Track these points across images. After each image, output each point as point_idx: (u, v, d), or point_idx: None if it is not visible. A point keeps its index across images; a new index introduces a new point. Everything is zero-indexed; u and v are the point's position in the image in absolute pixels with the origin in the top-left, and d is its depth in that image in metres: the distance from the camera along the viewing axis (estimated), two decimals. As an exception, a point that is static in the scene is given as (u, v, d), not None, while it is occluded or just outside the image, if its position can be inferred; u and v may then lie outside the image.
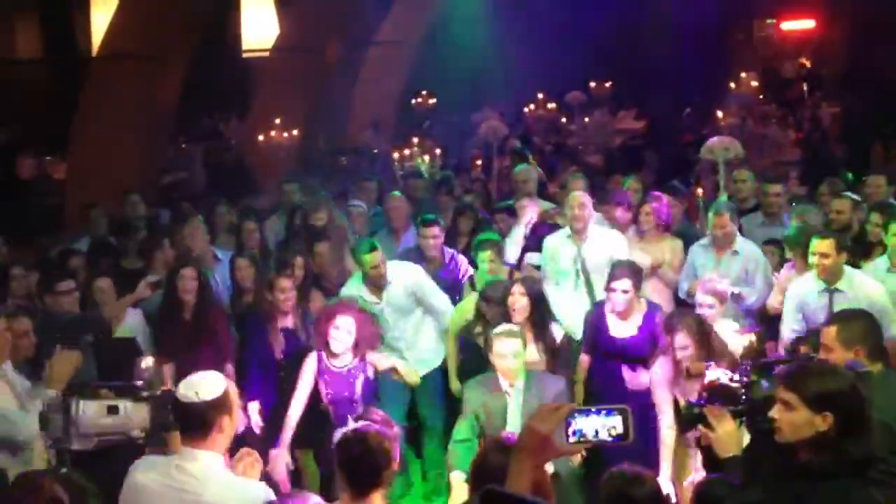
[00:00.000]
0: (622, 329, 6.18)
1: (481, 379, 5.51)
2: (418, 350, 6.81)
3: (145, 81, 10.86)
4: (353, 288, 6.68)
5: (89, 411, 3.58)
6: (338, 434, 3.43)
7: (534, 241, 7.51)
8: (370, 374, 5.76)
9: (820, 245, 5.87)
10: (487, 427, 5.31)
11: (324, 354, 5.77)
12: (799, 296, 6.06)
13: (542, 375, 5.54)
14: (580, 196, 7.08)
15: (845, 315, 4.56)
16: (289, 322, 6.46)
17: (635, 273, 6.15)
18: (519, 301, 5.92)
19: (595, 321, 6.26)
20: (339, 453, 3.46)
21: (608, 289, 6.15)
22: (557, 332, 6.07)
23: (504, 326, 5.51)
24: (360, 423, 3.64)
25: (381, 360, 5.79)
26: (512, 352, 5.30)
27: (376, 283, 6.63)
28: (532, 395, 5.26)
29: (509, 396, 5.34)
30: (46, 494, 3.12)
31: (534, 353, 5.84)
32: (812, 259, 5.92)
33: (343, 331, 5.66)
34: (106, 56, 10.99)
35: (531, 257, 7.37)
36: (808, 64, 17.56)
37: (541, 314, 5.99)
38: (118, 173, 10.36)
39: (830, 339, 4.29)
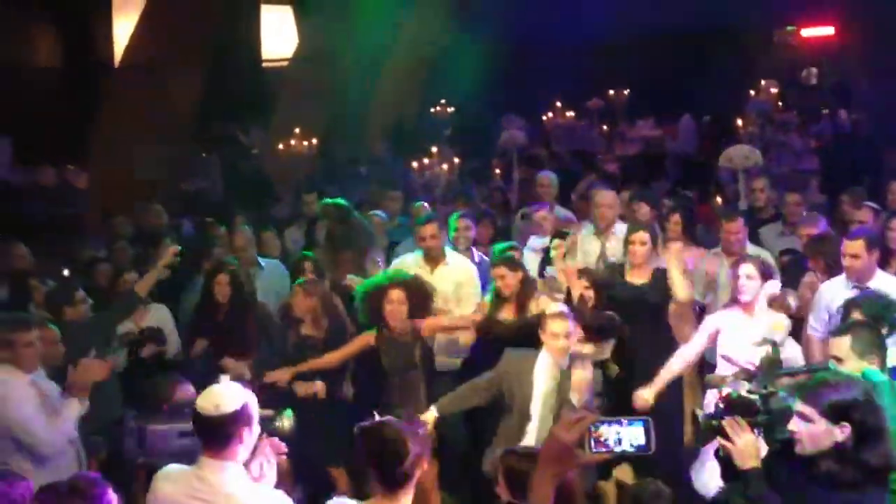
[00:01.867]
0: (636, 278, 6.45)
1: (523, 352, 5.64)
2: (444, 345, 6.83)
3: (165, 91, 10.96)
4: (411, 258, 7.05)
5: (162, 435, 3.64)
6: (357, 428, 3.44)
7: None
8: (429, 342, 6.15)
9: (851, 246, 5.83)
10: (513, 389, 5.47)
11: (382, 328, 6.10)
12: (827, 297, 5.95)
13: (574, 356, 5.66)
14: (607, 195, 7.36)
15: (857, 325, 4.55)
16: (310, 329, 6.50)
17: (653, 231, 6.58)
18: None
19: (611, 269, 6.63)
20: (359, 445, 3.45)
21: (628, 241, 6.49)
22: None
23: (556, 307, 5.65)
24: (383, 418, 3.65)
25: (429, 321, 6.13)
26: (563, 332, 5.43)
27: (430, 255, 6.94)
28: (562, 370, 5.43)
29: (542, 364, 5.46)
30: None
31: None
32: (844, 261, 5.86)
33: (396, 304, 6.03)
34: (127, 65, 11.09)
35: (551, 270, 7.37)
36: (826, 71, 17.50)
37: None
38: (138, 182, 10.45)
39: (844, 350, 4.27)
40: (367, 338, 6.21)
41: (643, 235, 6.48)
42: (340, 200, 8.36)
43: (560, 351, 5.43)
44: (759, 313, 5.75)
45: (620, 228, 7.18)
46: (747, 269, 5.77)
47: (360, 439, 3.41)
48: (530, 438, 5.30)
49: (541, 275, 7.30)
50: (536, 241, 7.67)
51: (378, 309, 6.11)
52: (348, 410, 6.16)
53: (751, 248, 7.01)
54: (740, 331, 5.70)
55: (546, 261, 7.43)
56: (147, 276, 6.60)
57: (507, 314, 6.26)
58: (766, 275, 5.86)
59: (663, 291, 6.32)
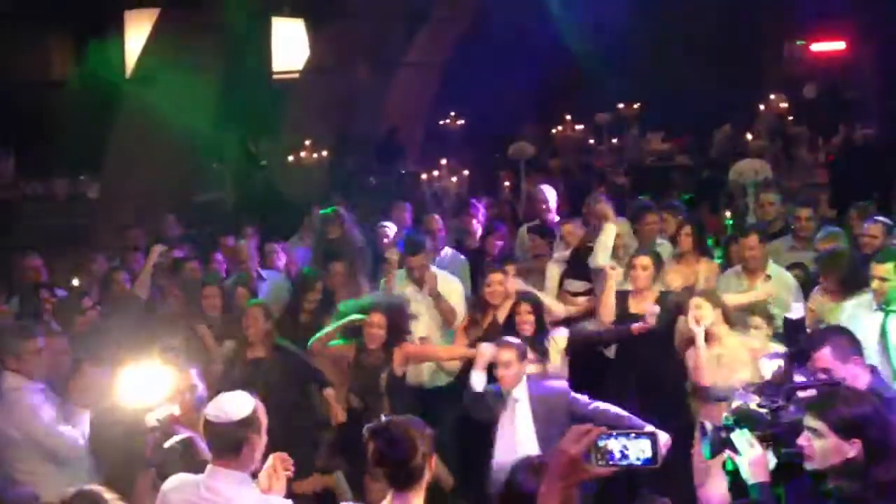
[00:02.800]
0: (640, 302, 6.42)
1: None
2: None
3: (177, 103, 11.02)
4: (402, 282, 7.07)
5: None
6: (365, 429, 3.45)
7: (575, 267, 7.48)
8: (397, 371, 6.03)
9: (880, 269, 5.74)
10: None
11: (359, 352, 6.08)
12: (849, 317, 5.78)
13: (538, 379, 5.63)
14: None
15: (828, 332, 4.68)
16: (259, 352, 6.36)
17: (656, 257, 6.55)
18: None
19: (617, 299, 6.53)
20: (367, 446, 3.45)
21: (630, 265, 6.50)
22: None
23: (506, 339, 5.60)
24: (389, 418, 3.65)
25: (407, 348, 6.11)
26: (509, 360, 5.40)
27: (418, 283, 6.96)
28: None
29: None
30: None
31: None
32: (873, 283, 5.75)
33: (375, 328, 6.01)
34: (139, 78, 11.16)
35: (570, 283, 7.36)
36: (835, 86, 17.49)
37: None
38: (150, 194, 10.50)
39: (828, 360, 4.35)
40: (349, 349, 6.20)
41: (645, 260, 6.47)
42: (334, 209, 8.43)
43: (507, 380, 5.41)
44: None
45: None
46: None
47: (368, 440, 3.41)
48: None
49: (561, 286, 7.30)
50: (560, 254, 7.66)
51: (357, 331, 6.12)
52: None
53: (772, 268, 6.94)
54: None
55: (567, 273, 7.43)
56: (139, 279, 6.67)
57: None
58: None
59: (669, 317, 6.27)
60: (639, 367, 6.32)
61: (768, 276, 6.84)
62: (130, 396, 4.46)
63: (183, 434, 4.09)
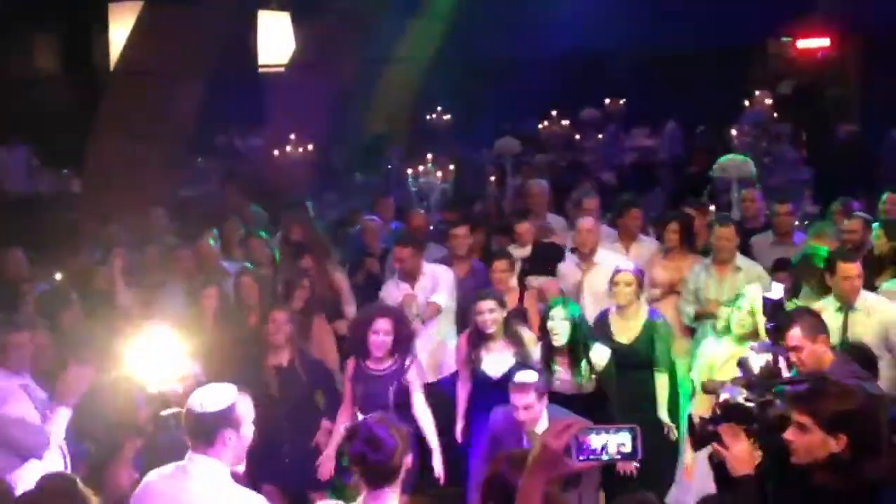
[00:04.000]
0: (624, 334, 6.27)
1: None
2: (433, 354, 6.85)
3: (162, 98, 10.96)
4: (392, 280, 7.09)
5: None
6: (343, 429, 3.45)
7: (536, 263, 7.55)
8: (407, 378, 5.85)
9: (851, 269, 5.88)
10: None
11: (361, 360, 5.90)
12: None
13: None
14: (586, 222, 7.20)
15: (798, 313, 4.88)
16: (283, 358, 6.20)
17: (639, 272, 6.37)
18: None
19: (599, 326, 6.35)
20: (346, 446, 3.47)
21: (612, 282, 6.30)
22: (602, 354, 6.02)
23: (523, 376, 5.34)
24: (367, 417, 3.65)
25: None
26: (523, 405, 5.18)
27: (406, 276, 6.93)
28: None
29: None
30: (79, 497, 3.22)
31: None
32: (844, 283, 5.88)
33: (381, 334, 5.79)
34: (123, 72, 11.09)
35: (534, 280, 7.37)
36: (819, 83, 17.55)
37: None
38: (135, 189, 10.43)
39: (798, 339, 4.57)
40: (349, 366, 6.02)
41: (628, 276, 6.28)
42: (296, 209, 8.43)
43: (529, 422, 5.19)
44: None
45: (602, 256, 7.12)
46: None
47: (347, 440, 3.43)
48: None
49: (521, 284, 7.32)
50: (516, 252, 7.67)
51: (362, 338, 5.87)
52: None
53: (741, 260, 7.02)
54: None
55: (526, 271, 7.46)
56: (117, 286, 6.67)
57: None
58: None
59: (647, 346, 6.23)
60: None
61: (738, 268, 6.89)
62: (139, 365, 4.44)
63: (177, 409, 4.11)
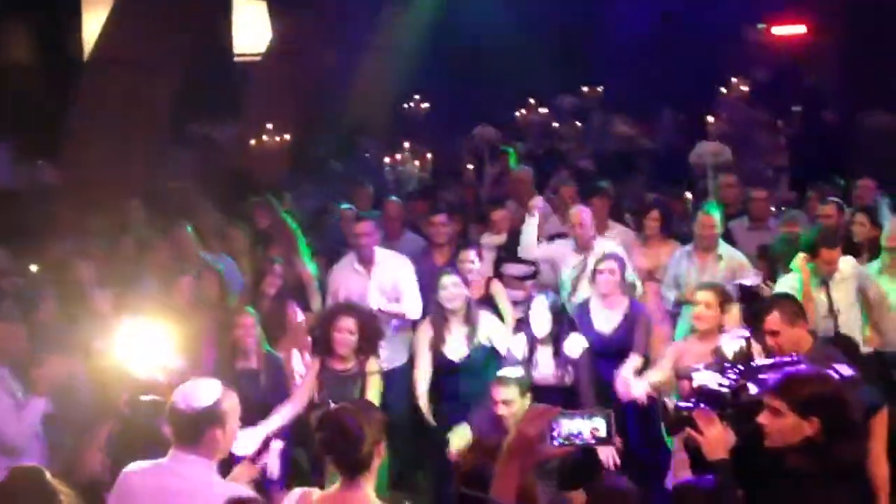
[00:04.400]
0: (605, 323, 6.25)
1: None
2: (392, 341, 6.74)
3: (137, 87, 10.87)
4: (347, 259, 6.95)
5: None
6: (312, 418, 3.42)
7: (511, 251, 7.51)
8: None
9: (832, 254, 6.03)
10: None
11: (325, 359, 5.74)
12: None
13: None
14: (580, 213, 7.08)
15: (775, 298, 5.02)
16: (252, 362, 6.01)
17: (621, 261, 6.33)
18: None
19: (580, 318, 6.30)
20: (317, 433, 3.42)
21: (596, 271, 6.26)
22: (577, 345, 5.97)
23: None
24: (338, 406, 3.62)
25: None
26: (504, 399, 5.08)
27: (361, 256, 6.81)
28: None
29: None
30: (47, 488, 3.20)
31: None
32: (827, 268, 6.05)
33: (345, 333, 5.65)
34: (97, 62, 10.99)
35: (510, 268, 7.35)
36: (795, 69, 17.64)
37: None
38: (110, 179, 10.35)
39: (776, 323, 4.64)
40: (315, 365, 5.81)
41: (612, 264, 6.29)
42: (265, 197, 8.40)
43: (511, 419, 5.00)
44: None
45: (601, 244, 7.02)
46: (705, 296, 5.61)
47: (316, 429, 3.39)
48: None
49: (497, 274, 7.31)
50: (490, 239, 7.65)
51: (326, 337, 5.73)
52: None
53: (723, 248, 7.04)
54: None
55: (502, 258, 7.45)
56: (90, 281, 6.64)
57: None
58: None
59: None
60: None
61: (720, 256, 6.92)
62: (127, 350, 4.40)
63: (156, 397, 4.09)
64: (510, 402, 5.03)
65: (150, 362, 4.32)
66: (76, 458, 4.88)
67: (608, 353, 6.12)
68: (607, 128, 16.45)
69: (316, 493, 3.37)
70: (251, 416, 5.70)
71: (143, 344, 4.36)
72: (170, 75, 11.25)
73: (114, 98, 10.67)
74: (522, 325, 6.15)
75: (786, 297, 5.01)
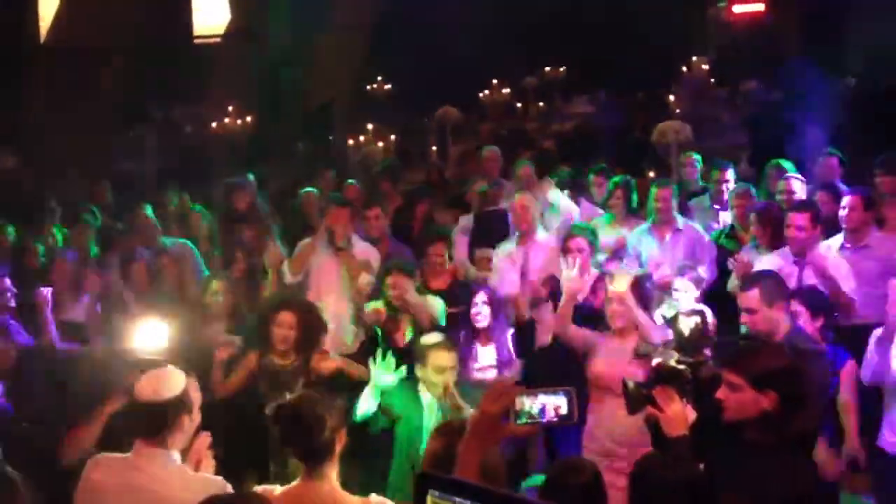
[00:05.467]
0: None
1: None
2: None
3: (95, 69, 10.75)
4: (319, 237, 6.82)
5: None
6: (269, 409, 3.37)
7: (480, 234, 7.46)
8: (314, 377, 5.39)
9: (796, 218, 5.95)
10: None
11: (264, 353, 5.45)
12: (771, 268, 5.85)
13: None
14: (524, 198, 6.87)
15: (759, 276, 4.85)
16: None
17: (591, 235, 6.15)
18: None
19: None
20: (274, 423, 3.36)
21: (565, 250, 5.93)
22: None
23: (437, 336, 5.04)
24: (292, 396, 3.55)
25: (325, 362, 5.45)
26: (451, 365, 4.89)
27: (332, 239, 6.69)
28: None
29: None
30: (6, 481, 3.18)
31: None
32: (788, 231, 5.95)
33: (284, 327, 5.39)
34: (55, 45, 10.85)
35: (483, 252, 7.31)
36: (755, 47, 17.76)
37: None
38: (68, 162, 10.24)
39: (755, 301, 4.53)
40: (251, 360, 5.50)
41: (581, 241, 5.98)
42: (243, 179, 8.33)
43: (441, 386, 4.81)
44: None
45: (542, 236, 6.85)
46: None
47: (275, 419, 3.34)
48: None
49: (470, 258, 7.29)
50: (463, 223, 7.63)
51: (264, 331, 5.43)
52: None
53: (681, 222, 7.07)
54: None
55: (475, 241, 7.42)
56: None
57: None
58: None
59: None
60: None
61: (678, 230, 6.96)
62: (142, 343, 4.50)
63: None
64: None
65: (149, 345, 4.43)
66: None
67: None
68: (569, 108, 16.53)
69: (277, 489, 3.31)
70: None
71: (141, 330, 4.51)
72: (126, 58, 11.13)
73: (72, 81, 10.54)
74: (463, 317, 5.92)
75: (770, 276, 4.80)
